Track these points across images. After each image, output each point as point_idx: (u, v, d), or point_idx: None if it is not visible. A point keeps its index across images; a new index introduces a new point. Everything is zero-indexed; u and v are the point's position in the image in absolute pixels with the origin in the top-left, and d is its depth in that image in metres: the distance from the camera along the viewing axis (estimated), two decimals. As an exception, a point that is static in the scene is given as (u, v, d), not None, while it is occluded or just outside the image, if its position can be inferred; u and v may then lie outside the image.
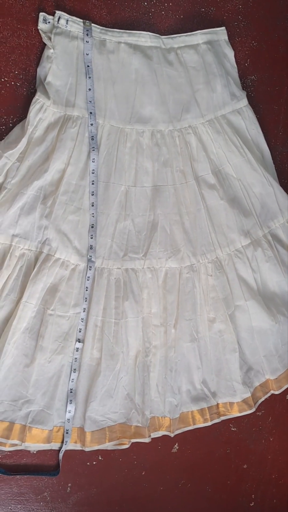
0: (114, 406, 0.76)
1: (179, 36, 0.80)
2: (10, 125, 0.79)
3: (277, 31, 0.87)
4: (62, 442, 0.77)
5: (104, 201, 0.78)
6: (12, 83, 0.79)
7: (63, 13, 0.76)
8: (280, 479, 0.91)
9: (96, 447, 0.77)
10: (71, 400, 0.76)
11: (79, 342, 0.76)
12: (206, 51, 0.80)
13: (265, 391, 0.82)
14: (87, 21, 0.77)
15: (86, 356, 0.76)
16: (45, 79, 0.76)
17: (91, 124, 0.77)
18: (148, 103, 0.79)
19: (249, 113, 0.82)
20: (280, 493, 0.91)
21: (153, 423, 0.79)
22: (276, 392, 0.82)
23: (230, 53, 0.82)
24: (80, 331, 0.76)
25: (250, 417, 0.87)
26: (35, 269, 0.74)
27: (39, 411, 0.75)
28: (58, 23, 0.76)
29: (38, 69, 0.78)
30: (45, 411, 0.75)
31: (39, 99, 0.75)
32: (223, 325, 0.80)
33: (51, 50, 0.76)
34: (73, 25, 0.76)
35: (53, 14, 0.76)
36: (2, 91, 0.79)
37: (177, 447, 0.86)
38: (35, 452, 0.81)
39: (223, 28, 0.82)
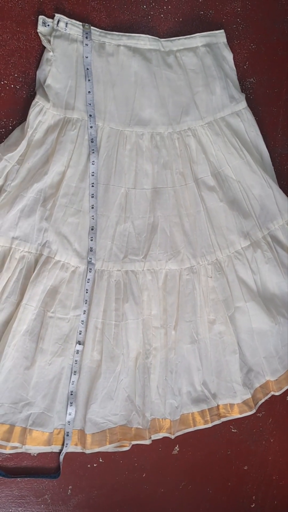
0: (115, 408, 0.76)
1: (178, 39, 0.80)
2: (10, 127, 0.78)
3: (276, 34, 0.87)
4: (63, 444, 0.76)
5: (104, 203, 0.77)
6: (12, 85, 0.78)
7: (62, 16, 0.76)
8: (281, 480, 0.90)
9: (96, 449, 0.76)
10: (71, 403, 0.75)
11: (80, 344, 0.75)
12: (205, 53, 0.80)
13: (265, 392, 0.81)
14: (87, 24, 0.77)
15: (87, 358, 0.76)
16: (44, 81, 0.75)
17: (91, 127, 0.76)
18: (148, 105, 0.78)
19: (248, 115, 0.81)
20: (281, 494, 0.91)
21: (153, 425, 0.79)
22: (277, 393, 0.81)
23: (229, 55, 0.82)
24: (80, 333, 0.76)
25: (251, 419, 0.86)
26: (35, 272, 0.74)
27: (40, 414, 0.75)
28: (57, 26, 0.75)
29: (38, 72, 0.77)
30: (46, 414, 0.75)
31: (38, 102, 0.75)
32: (223, 327, 0.79)
33: (51, 53, 0.75)
34: (73, 28, 0.76)
35: (52, 17, 0.76)
36: (2, 94, 0.78)
37: (178, 449, 0.85)
38: (35, 455, 0.80)
39: (222, 30, 0.81)
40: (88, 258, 0.76)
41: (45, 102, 0.75)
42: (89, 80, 0.76)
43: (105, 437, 0.76)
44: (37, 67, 0.78)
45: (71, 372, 0.75)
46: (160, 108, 0.79)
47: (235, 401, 0.80)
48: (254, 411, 0.80)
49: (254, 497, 0.89)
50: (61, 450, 0.77)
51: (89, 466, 0.82)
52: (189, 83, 0.79)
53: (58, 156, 0.75)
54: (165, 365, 0.78)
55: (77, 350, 0.75)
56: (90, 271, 0.76)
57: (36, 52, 0.78)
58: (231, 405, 0.80)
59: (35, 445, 0.75)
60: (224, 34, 0.81)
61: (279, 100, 0.87)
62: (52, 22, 0.76)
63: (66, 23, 0.75)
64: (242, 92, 0.83)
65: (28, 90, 0.79)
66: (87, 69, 0.76)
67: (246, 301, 0.80)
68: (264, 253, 0.80)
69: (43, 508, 0.81)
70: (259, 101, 0.86)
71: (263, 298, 0.81)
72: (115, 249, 0.78)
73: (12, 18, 0.77)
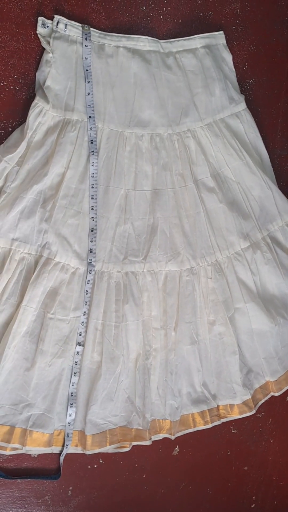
0: (115, 409, 0.75)
1: (178, 40, 0.79)
2: (10, 129, 0.77)
3: (275, 35, 0.86)
4: (63, 445, 0.76)
5: (104, 204, 0.76)
6: (11, 87, 0.77)
7: (62, 17, 0.75)
8: (281, 480, 0.90)
9: (97, 450, 0.76)
10: (71, 404, 0.74)
11: (80, 345, 0.75)
12: (205, 55, 0.79)
13: (265, 393, 0.81)
14: (86, 26, 0.76)
15: (87, 359, 0.75)
16: (44, 83, 0.74)
17: (91, 128, 0.75)
18: (147, 107, 0.78)
19: (248, 117, 0.81)
20: (281, 494, 0.90)
21: (153, 426, 0.78)
22: (276, 394, 0.80)
23: (228, 57, 0.81)
24: (80, 335, 0.75)
25: (251, 419, 0.86)
26: (35, 273, 0.73)
27: (40, 415, 0.74)
28: (57, 27, 0.75)
29: (37, 73, 0.77)
30: (46, 415, 0.74)
31: (38, 103, 0.74)
32: (223, 328, 0.79)
33: (50, 55, 0.74)
34: (72, 29, 0.75)
35: (52, 18, 0.75)
36: (1, 95, 0.77)
37: (178, 450, 0.84)
38: (36, 456, 0.79)
39: (221, 32, 0.81)
40: (88, 260, 0.76)
41: (45, 103, 0.74)
42: (88, 82, 0.75)
43: (105, 438, 0.75)
44: (36, 68, 0.77)
45: (71, 374, 0.75)
46: (160, 109, 0.78)
47: (235, 402, 0.80)
48: (254, 411, 0.80)
49: (254, 497, 0.89)
50: (61, 451, 0.76)
51: (89, 467, 0.81)
52: (188, 84, 0.79)
53: (57, 158, 0.74)
54: (165, 366, 0.77)
55: (77, 352, 0.75)
56: (90, 273, 0.75)
57: (35, 54, 0.77)
58: (231, 406, 0.80)
59: (36, 446, 0.74)
60: (223, 35, 0.81)
61: (278, 102, 0.87)
62: (52, 23, 0.75)
63: (66, 25, 0.75)
64: (242, 93, 0.82)
65: (27, 92, 0.78)
66: (87, 70, 0.75)
67: (245, 302, 0.79)
68: (263, 254, 0.80)
69: (43, 509, 0.81)
70: (258, 103, 0.86)
71: (263, 299, 0.80)
72: (115, 251, 0.77)
73: (11, 19, 0.77)
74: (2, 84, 0.77)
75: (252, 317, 0.79)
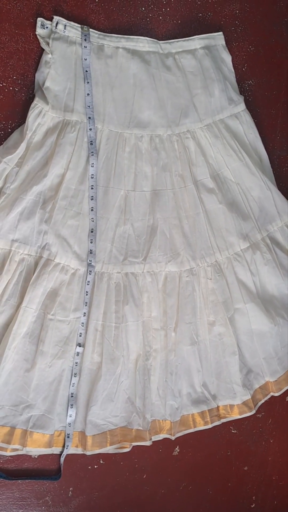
0: (115, 410, 0.74)
1: (177, 41, 0.78)
2: (9, 130, 0.76)
3: (274, 36, 0.85)
4: (63, 446, 0.75)
5: (104, 205, 0.75)
6: (11, 88, 0.76)
7: (61, 18, 0.74)
8: (281, 480, 0.89)
9: (97, 451, 0.75)
10: (72, 405, 0.73)
11: (80, 346, 0.74)
12: (204, 56, 0.78)
13: (265, 393, 0.80)
14: (85, 26, 0.75)
15: (87, 360, 0.74)
16: (43, 84, 0.73)
17: (90, 129, 0.74)
18: (147, 107, 0.77)
19: (247, 118, 0.80)
20: (281, 494, 0.89)
21: (154, 426, 0.77)
22: (276, 394, 0.80)
23: (227, 58, 0.80)
24: (80, 336, 0.74)
25: (250, 419, 0.85)
26: (35, 274, 0.72)
27: (40, 416, 0.73)
28: (56, 28, 0.73)
29: (37, 74, 0.75)
30: (46, 416, 0.73)
31: (37, 104, 0.73)
32: (223, 328, 0.78)
33: (49, 55, 0.73)
34: (71, 30, 0.74)
35: (51, 19, 0.74)
36: (1, 96, 0.76)
37: (178, 450, 0.83)
38: (36, 457, 0.78)
39: (221, 33, 0.80)
40: (88, 261, 0.74)
41: (44, 104, 0.73)
42: (88, 82, 0.74)
43: (106, 438, 0.74)
44: (36, 69, 0.76)
45: (72, 374, 0.74)
46: (159, 110, 0.77)
47: (235, 402, 0.79)
48: (253, 411, 0.79)
49: (254, 497, 0.88)
50: (61, 452, 0.75)
51: (89, 467, 0.80)
52: (187, 85, 0.78)
53: (57, 159, 0.73)
54: (165, 366, 0.76)
55: (77, 352, 0.74)
56: (90, 273, 0.74)
57: (34, 55, 0.76)
58: (231, 406, 0.79)
59: (36, 447, 0.73)
60: (222, 36, 0.80)
61: (277, 102, 0.86)
62: (51, 24, 0.74)
63: (65, 25, 0.74)
64: (241, 94, 0.82)
65: (27, 93, 0.77)
66: (86, 71, 0.74)
67: (245, 302, 0.78)
68: (263, 254, 0.79)
69: (44, 510, 0.79)
70: (257, 103, 0.85)
71: (262, 299, 0.79)
72: (115, 251, 0.76)
73: (10, 20, 0.75)
74: (1, 85, 0.76)
75: (251, 318, 0.78)
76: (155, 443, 0.77)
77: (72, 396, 0.73)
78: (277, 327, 0.78)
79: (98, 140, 0.75)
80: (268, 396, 0.80)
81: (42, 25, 0.74)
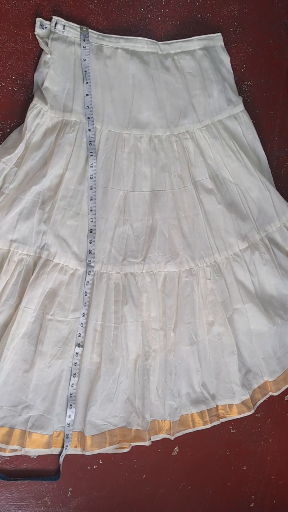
0: (114, 410, 0.72)
1: (176, 42, 0.76)
2: (8, 130, 0.74)
3: (273, 37, 0.83)
4: (62, 446, 0.73)
5: (103, 206, 0.73)
6: (10, 88, 0.74)
7: (60, 18, 0.72)
8: (280, 480, 0.87)
9: (96, 451, 0.73)
10: (71, 405, 0.72)
11: (79, 346, 0.72)
12: (203, 57, 0.76)
13: (263, 393, 0.78)
14: (84, 27, 0.73)
15: (86, 360, 0.72)
16: (42, 84, 0.71)
17: (89, 129, 0.72)
18: (146, 108, 0.75)
19: (246, 118, 0.78)
20: (280, 493, 0.87)
21: (153, 426, 0.75)
22: (275, 394, 0.78)
23: (226, 59, 0.78)
24: (79, 336, 0.72)
25: (249, 419, 0.83)
26: (34, 274, 0.70)
27: (39, 416, 0.71)
28: (55, 28, 0.71)
29: (35, 74, 0.74)
30: (45, 416, 0.71)
31: (36, 104, 0.71)
32: (222, 328, 0.76)
33: (48, 56, 0.71)
34: (70, 30, 0.72)
35: (50, 19, 0.72)
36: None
37: (177, 450, 0.81)
38: (35, 457, 0.76)
39: (219, 34, 0.78)
40: (87, 261, 0.72)
41: (43, 104, 0.71)
42: (87, 83, 0.72)
43: (105, 439, 0.73)
44: (34, 69, 0.74)
45: (71, 375, 0.72)
46: (158, 111, 0.75)
47: (234, 402, 0.77)
48: (252, 411, 0.77)
49: (253, 496, 0.86)
50: (60, 452, 0.73)
51: (89, 468, 0.78)
52: (186, 86, 0.76)
53: (56, 159, 0.71)
54: (164, 367, 0.74)
55: (77, 353, 0.72)
56: (89, 274, 0.72)
57: (33, 55, 0.74)
58: (230, 406, 0.77)
59: (35, 448, 0.71)
60: (221, 37, 0.78)
61: (276, 103, 0.84)
62: (50, 24, 0.72)
63: (64, 26, 0.72)
64: (240, 95, 0.80)
65: (25, 93, 0.75)
66: (85, 71, 0.72)
67: (244, 302, 0.76)
68: (262, 255, 0.77)
69: (43, 511, 0.77)
70: (256, 104, 0.83)
71: (261, 299, 0.78)
72: (114, 252, 0.74)
73: (9, 20, 0.73)
74: (0, 85, 0.74)
75: (250, 318, 0.77)
76: (154, 443, 0.76)
77: (71, 397, 0.71)
78: (276, 327, 0.77)
79: (97, 140, 0.73)
80: (267, 396, 0.78)
81: (41, 25, 0.72)
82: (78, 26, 0.72)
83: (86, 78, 0.72)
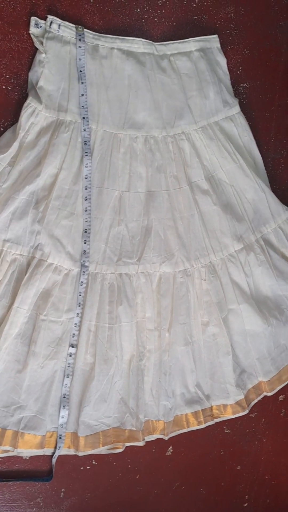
0: (108, 411, 0.70)
1: (172, 43, 0.73)
2: (1, 129, 0.71)
3: (269, 39, 0.80)
4: (55, 447, 0.70)
5: (98, 206, 0.71)
6: (4, 87, 0.71)
7: (55, 17, 0.68)
8: (274, 479, 0.85)
9: (89, 452, 0.70)
10: (64, 405, 0.69)
11: (73, 347, 0.69)
12: (199, 58, 0.73)
13: (258, 393, 0.76)
14: (80, 26, 0.70)
15: (80, 361, 0.70)
16: (37, 83, 0.68)
17: (84, 129, 0.69)
18: (142, 109, 0.72)
19: (242, 120, 0.76)
20: (274, 493, 0.85)
21: (147, 427, 0.73)
22: (269, 394, 0.76)
23: (222, 60, 0.76)
24: (73, 336, 0.69)
25: (244, 419, 0.81)
26: (27, 274, 0.67)
27: (32, 417, 0.68)
28: (50, 27, 0.68)
29: (30, 74, 0.70)
30: (38, 417, 0.68)
31: (31, 104, 0.68)
32: (217, 329, 0.74)
33: (43, 55, 0.68)
34: (66, 30, 0.69)
35: (45, 18, 0.69)
36: (-6, 95, 0.71)
37: (171, 450, 0.79)
38: (27, 458, 0.73)
39: (216, 35, 0.75)
40: (82, 261, 0.70)
41: (38, 104, 0.68)
42: (82, 83, 0.69)
43: (99, 439, 0.70)
44: (29, 68, 0.71)
45: (64, 375, 0.69)
46: (154, 111, 0.72)
47: (228, 402, 0.74)
48: (247, 411, 0.75)
49: (247, 496, 0.84)
50: (53, 453, 0.70)
51: (82, 468, 0.75)
52: (183, 87, 0.73)
53: (50, 158, 0.68)
54: (159, 367, 0.72)
55: (70, 353, 0.69)
56: (83, 274, 0.69)
57: (28, 54, 0.71)
58: (224, 406, 0.75)
59: (27, 448, 0.68)
60: (217, 39, 0.75)
61: (272, 105, 0.81)
62: (45, 23, 0.69)
63: (59, 25, 0.68)
64: (236, 97, 0.77)
65: (20, 92, 0.71)
66: (80, 71, 0.69)
67: (239, 303, 0.74)
68: (257, 256, 0.75)
69: (35, 511, 0.74)
70: (252, 106, 0.80)
71: (256, 300, 0.75)
72: (109, 252, 0.71)
73: (3, 18, 0.70)
74: (-6, 84, 0.71)
75: (245, 318, 0.74)
76: (148, 443, 0.73)
77: (64, 397, 0.69)
78: (271, 328, 0.74)
79: (93, 140, 0.70)
80: (261, 396, 0.76)
81: (36, 24, 0.68)
82: (74, 25, 0.69)
83: (81, 78, 0.69)
